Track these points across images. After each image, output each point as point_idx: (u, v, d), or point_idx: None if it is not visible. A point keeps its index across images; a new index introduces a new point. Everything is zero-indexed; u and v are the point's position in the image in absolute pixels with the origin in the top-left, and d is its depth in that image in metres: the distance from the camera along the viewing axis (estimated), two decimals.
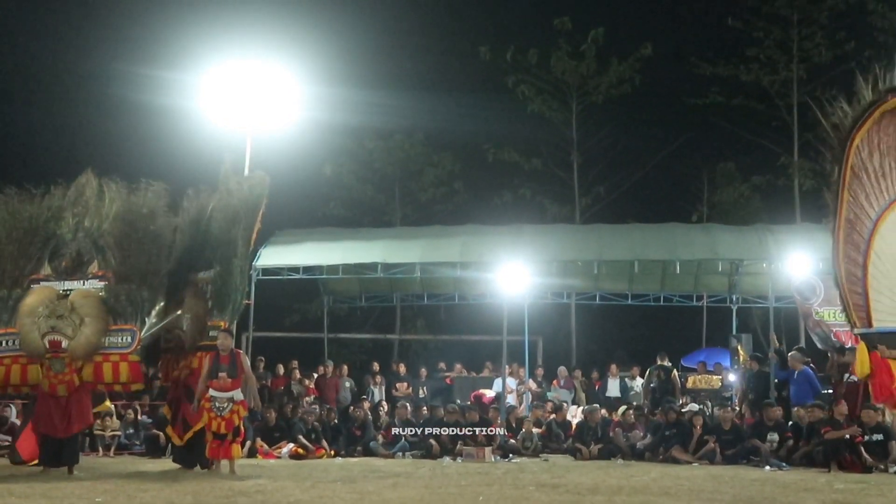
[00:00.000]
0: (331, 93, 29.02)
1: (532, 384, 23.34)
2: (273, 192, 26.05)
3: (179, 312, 15.16)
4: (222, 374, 14.01)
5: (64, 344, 13.93)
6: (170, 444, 16.34)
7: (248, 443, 18.72)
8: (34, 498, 9.71)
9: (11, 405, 18.91)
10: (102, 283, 14.68)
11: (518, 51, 34.69)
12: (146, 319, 14.68)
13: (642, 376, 23.00)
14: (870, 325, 11.12)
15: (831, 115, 12.40)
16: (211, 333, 14.78)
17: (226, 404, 14.03)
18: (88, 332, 14.05)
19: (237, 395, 14.16)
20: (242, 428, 14.82)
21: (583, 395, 22.80)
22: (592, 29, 34.40)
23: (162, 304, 15.13)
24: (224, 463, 14.12)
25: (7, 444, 17.53)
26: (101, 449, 18.90)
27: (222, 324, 14.75)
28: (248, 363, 14.90)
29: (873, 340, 11.10)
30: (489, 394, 22.05)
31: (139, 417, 20.00)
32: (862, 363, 11.45)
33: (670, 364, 22.20)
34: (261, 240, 23.51)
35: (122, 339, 14.34)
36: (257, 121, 22.13)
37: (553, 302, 27.69)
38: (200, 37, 27.02)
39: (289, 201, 30.91)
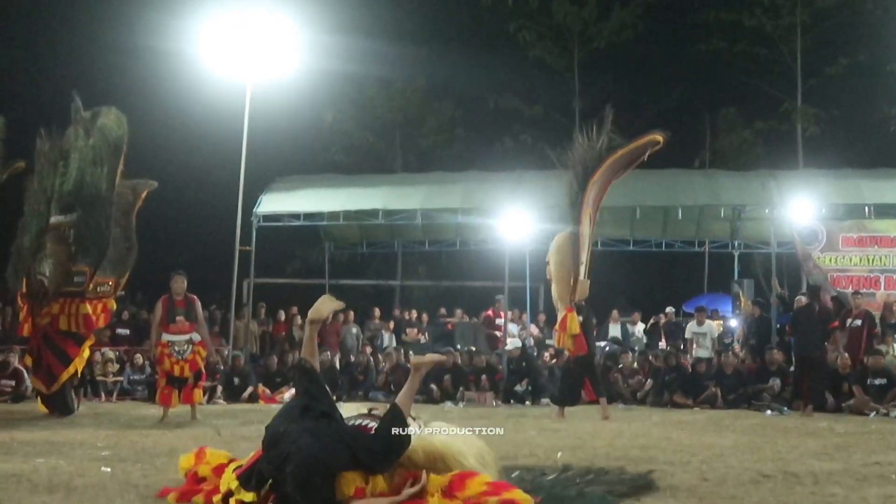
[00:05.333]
0: (331, 40, 28.74)
1: (534, 330, 23.35)
2: (273, 138, 25.95)
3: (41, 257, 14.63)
4: (179, 318, 13.93)
5: None
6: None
7: (220, 388, 18.83)
8: (38, 444, 9.72)
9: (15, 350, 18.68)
10: None
11: None
12: None
13: (644, 322, 23.05)
14: None
15: (575, 148, 15.94)
16: (76, 279, 14.54)
17: (186, 347, 13.94)
18: None
19: (195, 336, 14.08)
20: (204, 371, 14.78)
21: None
22: None
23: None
24: (172, 411, 13.96)
25: (10, 389, 17.57)
26: (103, 395, 18.95)
27: (86, 269, 14.55)
28: (201, 310, 14.74)
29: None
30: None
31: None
32: (573, 326, 14.75)
33: None
34: (261, 186, 23.48)
35: None
36: (257, 68, 21.96)
37: None
38: None
39: (289, 148, 30.87)
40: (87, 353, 15.29)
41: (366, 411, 6.36)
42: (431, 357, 6.75)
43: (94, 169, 14.70)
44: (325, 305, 6.70)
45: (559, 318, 15.40)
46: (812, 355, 16.23)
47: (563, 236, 15.48)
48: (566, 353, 16.26)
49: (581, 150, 15.54)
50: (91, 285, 14.73)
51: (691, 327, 20.88)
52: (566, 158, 15.94)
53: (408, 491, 5.59)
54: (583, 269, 15.08)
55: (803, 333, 16.50)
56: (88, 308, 14.62)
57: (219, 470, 6.00)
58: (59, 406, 14.47)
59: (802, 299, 17.85)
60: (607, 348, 21.69)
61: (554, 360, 20.55)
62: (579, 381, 15.60)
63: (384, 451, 5.68)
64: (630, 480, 6.71)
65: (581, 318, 14.83)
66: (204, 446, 6.52)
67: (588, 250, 15.51)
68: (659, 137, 15.18)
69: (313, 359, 6.42)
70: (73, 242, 14.62)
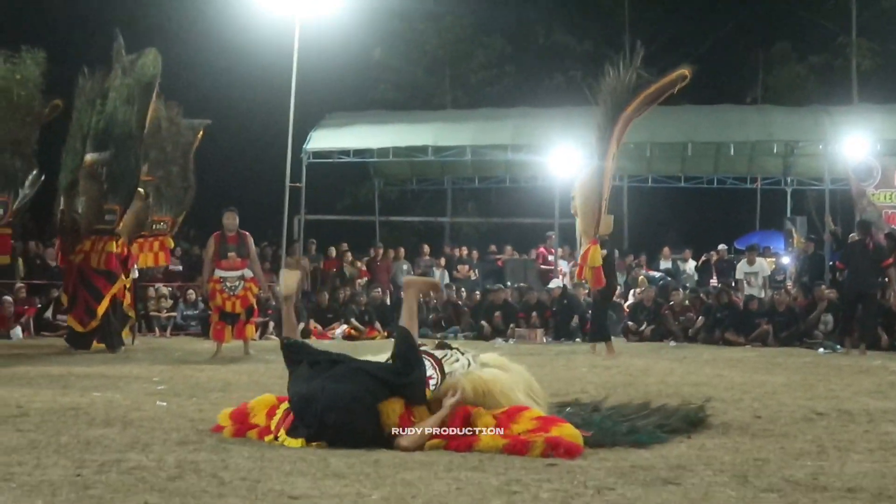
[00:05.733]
0: None
1: None
2: (322, 75, 25.83)
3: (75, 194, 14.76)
4: (231, 254, 13.98)
5: None
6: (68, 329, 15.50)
7: (272, 324, 18.93)
8: (94, 378, 9.85)
9: None
10: None
11: None
12: (20, 190, 14.69)
13: (695, 259, 22.91)
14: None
15: (606, 82, 15.02)
16: (107, 217, 14.69)
17: (237, 283, 14.02)
18: None
19: (247, 273, 14.13)
20: (256, 307, 14.87)
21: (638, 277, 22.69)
22: None
23: (35, 173, 15.02)
24: (225, 346, 14.08)
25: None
26: (157, 330, 19.19)
27: (116, 207, 14.71)
28: (254, 247, 14.82)
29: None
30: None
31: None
32: (595, 258, 14.55)
33: None
34: (311, 123, 23.48)
35: None
36: (306, 4, 21.91)
37: None
38: None
39: (338, 85, 30.73)
40: (126, 293, 15.51)
41: None
42: (425, 279, 6.88)
43: (126, 107, 14.78)
44: (291, 279, 7.01)
45: (581, 252, 15.47)
46: (865, 292, 16.02)
47: (590, 170, 15.41)
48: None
49: (611, 83, 15.18)
50: (122, 224, 14.95)
51: (742, 267, 20.61)
52: (597, 93, 15.65)
53: (449, 402, 5.63)
54: (604, 204, 15.02)
55: (855, 270, 16.29)
56: (114, 246, 14.81)
57: (271, 413, 6.06)
58: (106, 341, 14.69)
59: (856, 236, 17.63)
60: (661, 281, 21.62)
61: None
62: (605, 313, 15.92)
63: (405, 371, 5.76)
64: (682, 417, 6.67)
65: (604, 253, 14.82)
66: (245, 403, 6.49)
67: (609, 186, 15.44)
68: (686, 72, 14.91)
69: (295, 334, 6.65)
70: (105, 180, 14.77)
